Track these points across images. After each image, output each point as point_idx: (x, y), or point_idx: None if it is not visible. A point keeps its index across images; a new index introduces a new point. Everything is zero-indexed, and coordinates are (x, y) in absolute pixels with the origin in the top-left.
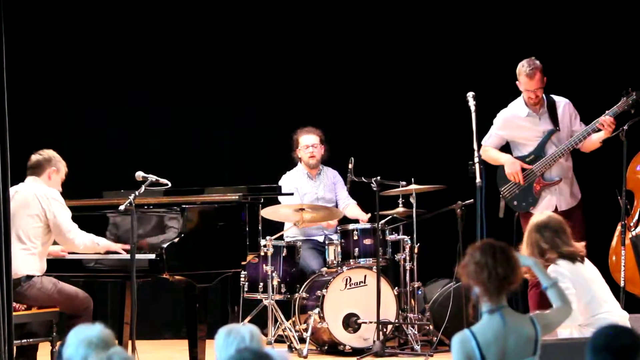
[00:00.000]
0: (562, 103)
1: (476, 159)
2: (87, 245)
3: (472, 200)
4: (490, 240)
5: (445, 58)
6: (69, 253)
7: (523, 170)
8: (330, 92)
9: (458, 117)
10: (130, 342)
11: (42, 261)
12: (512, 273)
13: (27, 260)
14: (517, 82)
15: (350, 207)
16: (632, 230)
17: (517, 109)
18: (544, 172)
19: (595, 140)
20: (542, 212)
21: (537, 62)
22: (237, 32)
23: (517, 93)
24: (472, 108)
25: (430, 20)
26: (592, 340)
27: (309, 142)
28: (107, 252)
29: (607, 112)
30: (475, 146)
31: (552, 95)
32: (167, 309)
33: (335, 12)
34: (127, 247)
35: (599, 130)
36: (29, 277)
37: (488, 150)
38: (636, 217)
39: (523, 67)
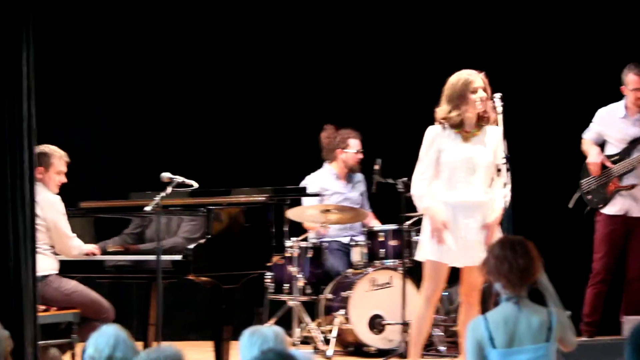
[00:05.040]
0: None
1: (502, 160)
2: (82, 250)
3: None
4: (510, 236)
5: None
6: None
7: (604, 167)
8: (350, 92)
9: None
10: (156, 344)
11: (55, 260)
12: (532, 264)
13: (39, 260)
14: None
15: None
16: None
17: (616, 108)
18: (622, 174)
19: None
20: (610, 214)
21: None
22: (259, 31)
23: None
24: (499, 109)
25: (439, 18)
26: (632, 339)
27: (359, 147)
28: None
29: None
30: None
31: None
32: (192, 310)
33: (348, 12)
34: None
35: None
36: (44, 277)
37: (585, 142)
38: None
39: (630, 69)
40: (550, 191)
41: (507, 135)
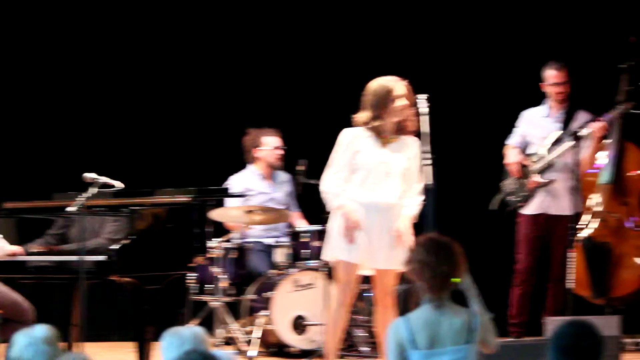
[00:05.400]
0: (581, 113)
1: (426, 161)
2: (6, 251)
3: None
4: (434, 235)
5: (396, 60)
6: None
7: (524, 166)
8: (276, 93)
9: None
10: (77, 345)
11: None
12: (455, 269)
13: None
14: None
15: (294, 217)
16: (580, 232)
17: (538, 109)
18: (540, 171)
19: (588, 151)
20: (530, 214)
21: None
22: (181, 32)
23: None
24: (424, 110)
25: (364, 21)
26: (554, 340)
27: (276, 144)
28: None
29: (600, 118)
30: (424, 148)
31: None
32: (114, 311)
33: (271, 16)
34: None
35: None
36: None
37: (508, 147)
38: (585, 219)
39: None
40: (473, 192)
41: (432, 136)
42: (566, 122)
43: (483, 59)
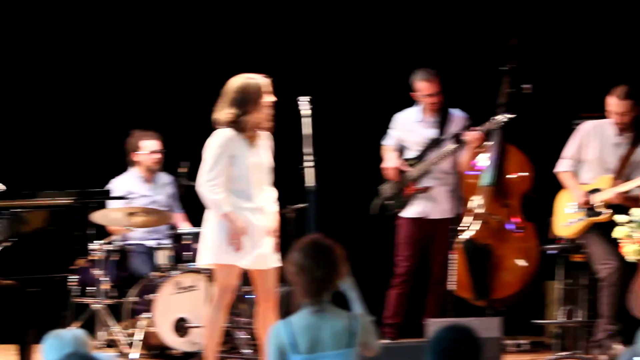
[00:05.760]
0: (457, 116)
1: (308, 164)
2: None
3: (302, 204)
4: (316, 238)
5: (275, 62)
6: None
7: (402, 172)
8: (157, 96)
9: (287, 121)
10: None
11: None
12: (334, 273)
13: None
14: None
15: (177, 218)
16: (462, 234)
17: (411, 113)
18: (418, 177)
19: (465, 155)
20: (409, 217)
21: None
22: (66, 33)
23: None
24: (305, 112)
25: (259, 22)
26: (432, 344)
27: (154, 147)
28: None
29: (475, 128)
30: (306, 150)
31: (453, 110)
32: None
33: (155, 20)
34: None
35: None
36: None
37: (385, 149)
38: (466, 221)
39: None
40: (354, 195)
41: (314, 138)
42: (441, 125)
43: (361, 60)
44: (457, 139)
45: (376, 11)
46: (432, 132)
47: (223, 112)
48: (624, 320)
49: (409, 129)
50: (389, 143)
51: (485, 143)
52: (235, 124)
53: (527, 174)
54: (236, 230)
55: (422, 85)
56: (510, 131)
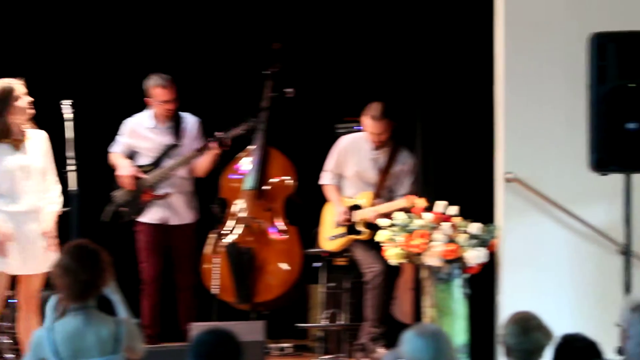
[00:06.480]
0: (189, 120)
1: (71, 167)
2: None
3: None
4: (83, 242)
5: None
6: None
7: (137, 179)
8: None
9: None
10: None
11: None
12: (98, 277)
13: None
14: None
15: None
16: (225, 238)
17: (143, 119)
18: (154, 183)
19: (204, 160)
20: (149, 222)
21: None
22: None
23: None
24: (68, 116)
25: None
26: (193, 348)
27: None
28: None
29: (220, 134)
30: (69, 154)
31: (183, 113)
32: None
33: None
34: None
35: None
36: None
37: (114, 156)
38: (229, 225)
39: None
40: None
41: (76, 140)
42: (176, 131)
43: (122, 62)
44: (202, 147)
45: (121, 17)
46: (166, 139)
47: None
48: (387, 324)
49: (141, 135)
50: (117, 150)
51: (248, 147)
52: None
53: (290, 178)
54: (1, 237)
55: (158, 92)
56: (273, 135)
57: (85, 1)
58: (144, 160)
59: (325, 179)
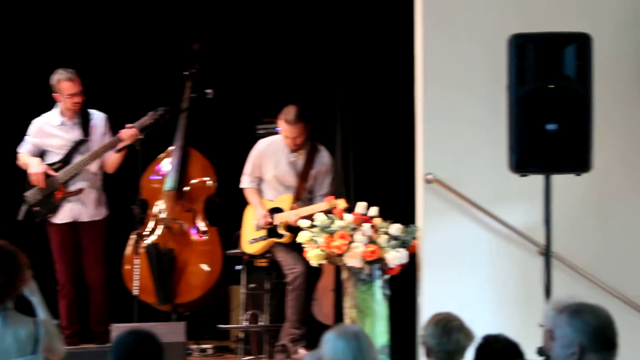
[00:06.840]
0: (97, 116)
1: None
2: None
3: None
4: (0, 244)
5: None
6: None
7: (48, 176)
8: None
9: None
10: None
11: None
12: (16, 279)
13: None
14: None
15: None
16: (145, 239)
17: (50, 117)
18: (66, 180)
19: (114, 155)
20: (60, 223)
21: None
22: None
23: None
24: None
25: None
26: (114, 349)
27: None
28: None
29: (130, 125)
30: None
31: (91, 110)
32: None
33: None
34: None
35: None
36: None
37: (22, 156)
38: (150, 226)
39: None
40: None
41: None
42: (84, 127)
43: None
44: (111, 142)
45: (33, 16)
46: (74, 135)
47: None
48: (308, 325)
49: (49, 133)
50: (24, 150)
51: (169, 148)
52: None
53: (210, 178)
54: None
55: (64, 85)
56: (193, 136)
57: None
58: (54, 158)
59: (245, 182)
